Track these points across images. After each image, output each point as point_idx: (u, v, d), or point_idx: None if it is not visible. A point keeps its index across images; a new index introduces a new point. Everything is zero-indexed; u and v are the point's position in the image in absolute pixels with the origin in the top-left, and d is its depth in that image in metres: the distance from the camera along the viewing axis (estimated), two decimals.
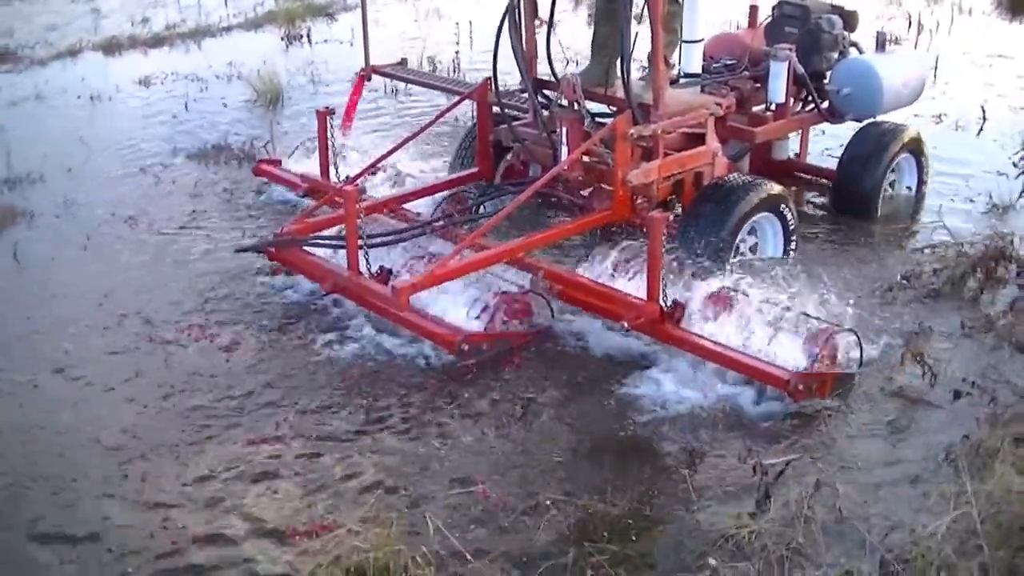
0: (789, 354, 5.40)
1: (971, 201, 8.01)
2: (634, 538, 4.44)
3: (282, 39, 13.74)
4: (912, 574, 3.90)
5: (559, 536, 4.44)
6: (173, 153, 9.51)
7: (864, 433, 5.20)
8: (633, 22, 6.28)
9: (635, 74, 6.72)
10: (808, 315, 5.60)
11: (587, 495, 4.69)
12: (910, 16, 13.61)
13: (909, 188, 7.90)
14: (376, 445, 5.15)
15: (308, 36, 13.86)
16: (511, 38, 6.70)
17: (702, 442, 5.11)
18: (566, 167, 6.43)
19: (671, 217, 5.80)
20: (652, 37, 6.28)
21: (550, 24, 6.80)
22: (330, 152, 7.12)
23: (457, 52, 11.86)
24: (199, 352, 6.02)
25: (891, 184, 7.75)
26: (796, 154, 8.31)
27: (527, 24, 6.76)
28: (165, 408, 5.49)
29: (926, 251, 6.97)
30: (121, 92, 11.59)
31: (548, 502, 4.65)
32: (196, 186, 8.65)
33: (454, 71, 11.51)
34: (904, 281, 6.61)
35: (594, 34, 6.91)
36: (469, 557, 4.26)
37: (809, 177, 8.20)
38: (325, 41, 13.70)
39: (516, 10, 6.68)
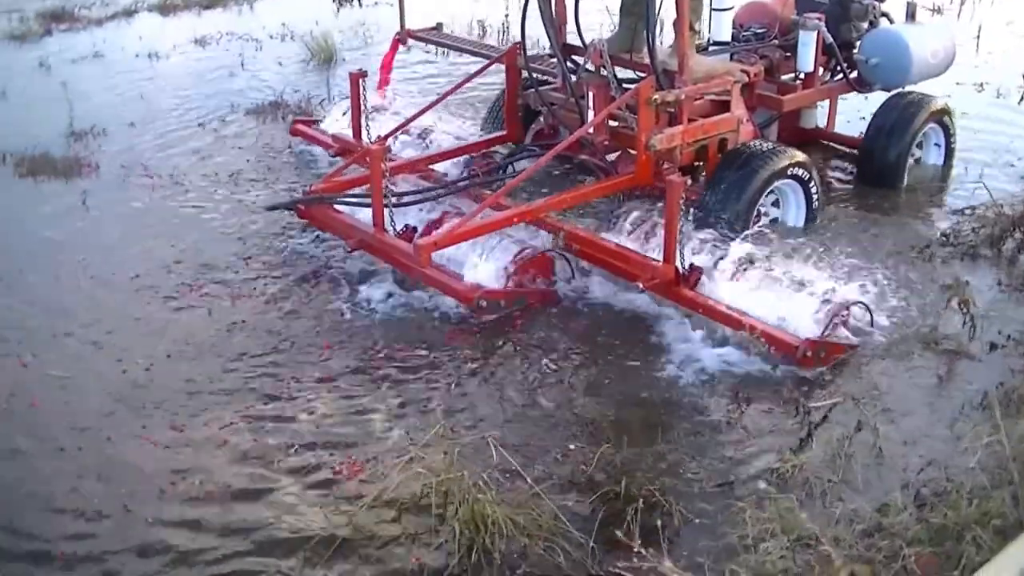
0: (800, 321, 5.42)
1: (1011, 166, 8.00)
2: (682, 471, 4.60)
3: (333, 2, 13.76)
4: (946, 505, 3.99)
5: (611, 467, 4.57)
6: (231, 109, 9.63)
7: (905, 381, 5.31)
8: None
9: (664, 40, 6.69)
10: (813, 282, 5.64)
11: (636, 436, 4.85)
12: None
13: (937, 153, 7.77)
14: (416, 391, 5.29)
15: None
16: (539, 3, 6.69)
17: (748, 390, 5.22)
18: (590, 131, 6.45)
19: (689, 181, 5.79)
20: (676, 3, 6.25)
21: None
22: (362, 113, 7.14)
23: (507, 15, 11.83)
24: (240, 304, 6.15)
25: (919, 147, 7.64)
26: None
27: None
28: (211, 353, 5.66)
29: (966, 211, 6.99)
30: (178, 51, 11.72)
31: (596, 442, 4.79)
32: (256, 140, 8.76)
33: (503, 35, 11.51)
34: (943, 238, 6.65)
35: (622, 0, 6.89)
36: (530, 481, 4.37)
37: (837, 145, 8.12)
38: (375, 3, 13.72)
39: None
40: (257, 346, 5.70)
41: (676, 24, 6.36)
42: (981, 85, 9.85)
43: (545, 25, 6.76)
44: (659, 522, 4.11)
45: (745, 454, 4.73)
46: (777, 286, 5.64)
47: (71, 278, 6.48)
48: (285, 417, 5.09)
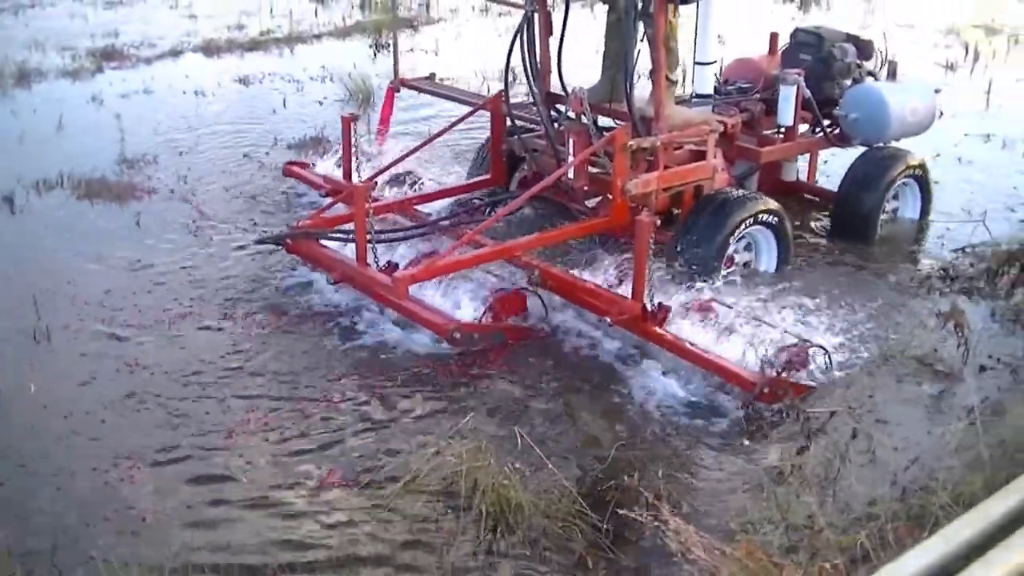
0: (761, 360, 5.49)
1: (1012, 211, 8.16)
2: (691, 469, 4.96)
3: (370, 47, 13.90)
4: (927, 492, 4.33)
5: (625, 464, 4.82)
6: (274, 143, 9.82)
7: (900, 396, 5.58)
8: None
9: (645, 90, 6.80)
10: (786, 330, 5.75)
11: (647, 441, 5.17)
12: (967, 45, 13.48)
13: (914, 207, 7.74)
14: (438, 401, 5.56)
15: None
16: (522, 53, 6.80)
17: (753, 402, 5.39)
18: (569, 175, 6.55)
19: (657, 222, 5.89)
20: (653, 54, 6.37)
21: (561, 39, 6.86)
22: (353, 155, 7.24)
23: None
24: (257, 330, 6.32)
25: (893, 210, 7.64)
26: None
27: (541, 39, 6.84)
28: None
29: (966, 249, 7.14)
30: (222, 89, 11.93)
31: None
32: None
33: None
34: (942, 272, 6.83)
35: (604, 50, 7.00)
36: (552, 467, 4.70)
37: (816, 198, 8.11)
38: (410, 50, 13.82)
39: (530, 25, 6.76)
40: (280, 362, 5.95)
41: (652, 74, 6.49)
42: (988, 136, 10.05)
43: (527, 73, 6.89)
44: (667, 510, 4.28)
45: (749, 456, 4.99)
46: (743, 326, 5.73)
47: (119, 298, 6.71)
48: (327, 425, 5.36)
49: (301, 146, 9.67)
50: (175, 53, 13.59)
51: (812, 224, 7.85)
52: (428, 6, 16.25)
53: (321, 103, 11.38)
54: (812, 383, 5.54)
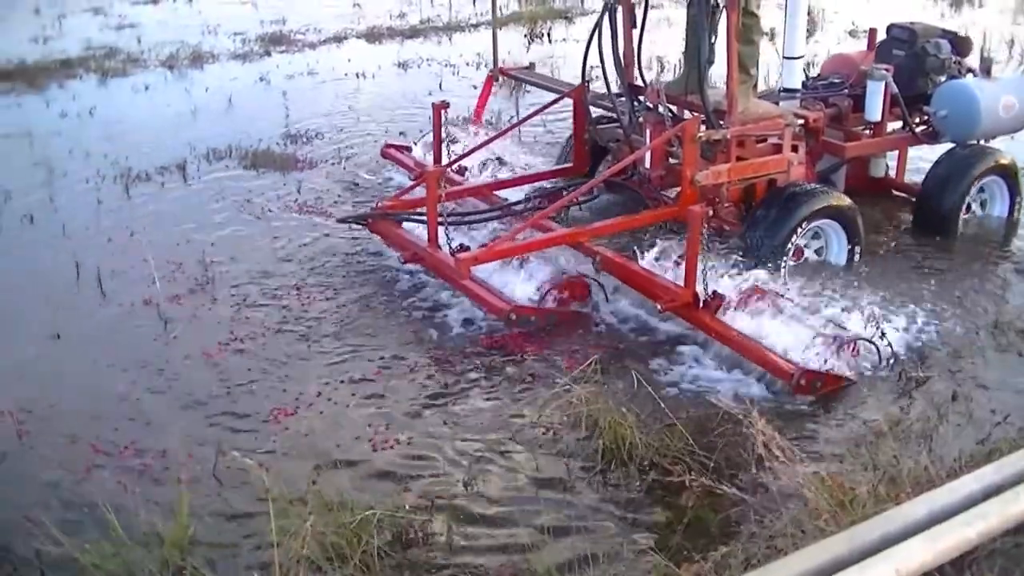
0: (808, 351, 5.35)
1: None
2: (799, 419, 5.10)
3: (525, 36, 14.09)
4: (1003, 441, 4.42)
5: (739, 401, 4.89)
6: (429, 121, 10.06)
7: (1003, 365, 5.57)
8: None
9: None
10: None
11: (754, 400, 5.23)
12: None
13: (1002, 206, 7.27)
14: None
15: (548, 35, 14.17)
16: (599, 45, 6.70)
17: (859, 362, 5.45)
18: (645, 164, 6.49)
19: (710, 212, 5.75)
20: (727, 47, 6.19)
21: (641, 31, 6.77)
22: (444, 141, 7.32)
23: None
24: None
25: (981, 205, 7.22)
26: None
27: (625, 31, 6.76)
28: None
29: None
30: (382, 72, 12.37)
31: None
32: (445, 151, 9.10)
33: (672, 75, 11.52)
34: None
35: (685, 44, 6.87)
36: (664, 406, 4.94)
37: (903, 195, 7.69)
38: (563, 40, 13.96)
39: (612, 17, 6.66)
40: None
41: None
42: None
43: (603, 65, 6.82)
44: (777, 452, 4.37)
45: (854, 412, 5.11)
46: (798, 317, 5.56)
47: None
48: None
49: (454, 125, 9.72)
50: (339, 39, 14.10)
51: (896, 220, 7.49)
52: None
53: (476, 87, 11.48)
54: (852, 376, 5.33)
